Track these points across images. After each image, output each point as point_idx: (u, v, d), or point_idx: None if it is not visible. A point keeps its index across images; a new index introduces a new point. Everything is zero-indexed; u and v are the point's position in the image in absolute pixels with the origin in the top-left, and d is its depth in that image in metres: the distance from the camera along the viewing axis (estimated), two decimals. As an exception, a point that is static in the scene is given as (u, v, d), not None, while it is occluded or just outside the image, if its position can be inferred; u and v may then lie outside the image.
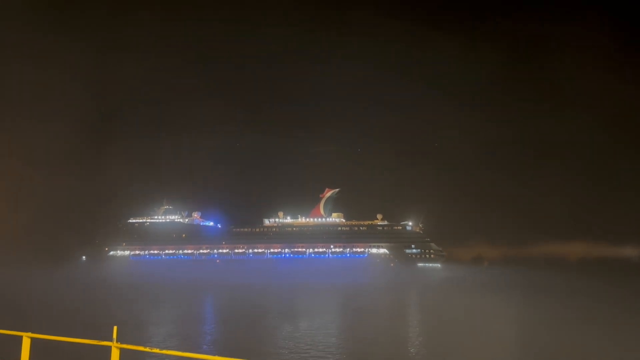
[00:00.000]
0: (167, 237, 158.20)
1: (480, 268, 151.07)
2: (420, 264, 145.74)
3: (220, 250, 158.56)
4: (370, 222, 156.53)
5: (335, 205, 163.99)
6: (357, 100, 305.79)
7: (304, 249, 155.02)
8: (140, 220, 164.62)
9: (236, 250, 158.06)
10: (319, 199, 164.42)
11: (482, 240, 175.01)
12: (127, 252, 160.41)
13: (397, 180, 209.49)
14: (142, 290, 76.98)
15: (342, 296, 75.90)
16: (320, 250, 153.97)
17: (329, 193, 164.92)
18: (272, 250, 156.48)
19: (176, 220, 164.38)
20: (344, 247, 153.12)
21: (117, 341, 7.30)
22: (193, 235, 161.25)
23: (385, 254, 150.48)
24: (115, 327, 7.34)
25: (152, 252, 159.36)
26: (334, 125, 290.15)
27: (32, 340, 8.01)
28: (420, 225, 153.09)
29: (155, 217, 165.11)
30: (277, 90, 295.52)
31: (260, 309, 55.17)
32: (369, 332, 39.85)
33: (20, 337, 7.77)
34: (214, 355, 6.53)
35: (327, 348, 31.63)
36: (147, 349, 7.60)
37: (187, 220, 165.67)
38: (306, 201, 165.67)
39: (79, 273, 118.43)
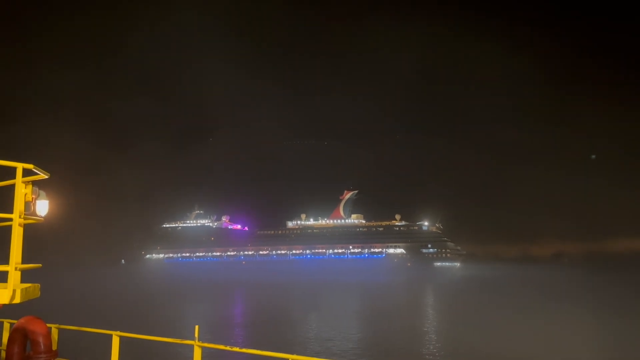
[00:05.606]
0: (197, 241, 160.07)
1: (559, 265, 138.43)
2: (437, 264, 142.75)
3: (246, 252, 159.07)
4: (387, 223, 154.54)
5: (356, 206, 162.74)
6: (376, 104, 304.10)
7: (324, 250, 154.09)
8: (173, 225, 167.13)
9: (261, 252, 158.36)
10: (340, 201, 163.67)
11: (557, 237, 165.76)
12: (161, 255, 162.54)
13: (425, 180, 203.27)
14: (187, 291, 77.61)
15: (356, 295, 75.12)
16: (340, 251, 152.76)
17: (348, 195, 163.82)
18: (294, 251, 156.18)
19: (206, 224, 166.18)
20: (362, 248, 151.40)
21: (198, 340, 6.96)
22: (221, 238, 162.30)
23: (402, 253, 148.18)
24: (197, 327, 7.03)
25: (184, 254, 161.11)
26: (354, 128, 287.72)
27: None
28: (438, 225, 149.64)
29: (187, 221, 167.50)
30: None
31: (288, 306, 54.94)
32: (384, 325, 39.23)
33: (110, 336, 7.51)
34: (291, 353, 6.09)
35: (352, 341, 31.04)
36: (228, 348, 7.23)
37: (215, 224, 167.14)
38: (328, 203, 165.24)
39: (125, 275, 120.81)
